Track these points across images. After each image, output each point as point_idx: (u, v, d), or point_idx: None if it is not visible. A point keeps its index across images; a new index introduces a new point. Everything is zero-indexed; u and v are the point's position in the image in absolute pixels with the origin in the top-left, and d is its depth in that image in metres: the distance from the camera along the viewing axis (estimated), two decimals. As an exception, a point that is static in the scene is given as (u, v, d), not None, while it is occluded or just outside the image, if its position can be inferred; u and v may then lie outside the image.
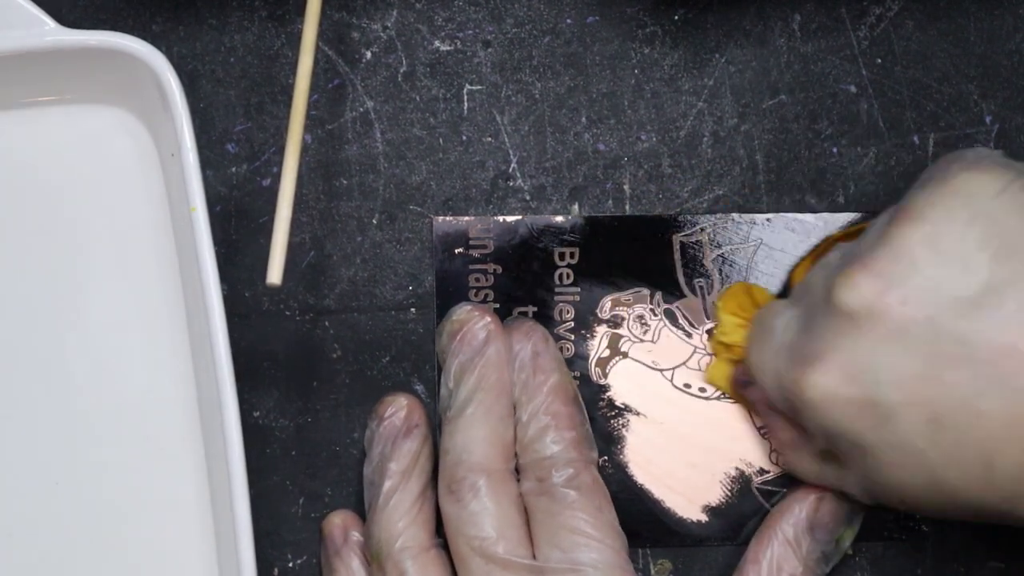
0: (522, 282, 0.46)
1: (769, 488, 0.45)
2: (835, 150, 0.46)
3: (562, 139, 0.46)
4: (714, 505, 0.45)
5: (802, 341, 0.40)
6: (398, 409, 0.44)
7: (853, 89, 0.46)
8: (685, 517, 0.45)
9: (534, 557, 0.42)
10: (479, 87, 0.46)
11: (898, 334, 0.37)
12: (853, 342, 0.38)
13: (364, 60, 0.46)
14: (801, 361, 0.39)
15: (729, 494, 0.45)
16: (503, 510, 0.42)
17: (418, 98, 0.46)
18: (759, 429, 0.45)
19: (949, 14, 0.46)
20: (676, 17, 0.46)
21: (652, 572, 0.45)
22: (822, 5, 0.46)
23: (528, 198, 0.46)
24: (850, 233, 0.45)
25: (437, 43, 0.46)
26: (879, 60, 0.46)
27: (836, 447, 0.40)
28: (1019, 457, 0.36)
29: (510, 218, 0.46)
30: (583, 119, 0.46)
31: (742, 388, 0.44)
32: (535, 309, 0.46)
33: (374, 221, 0.46)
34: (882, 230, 0.39)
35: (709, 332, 0.45)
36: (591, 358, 0.46)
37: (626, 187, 0.46)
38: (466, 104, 0.46)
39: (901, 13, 0.46)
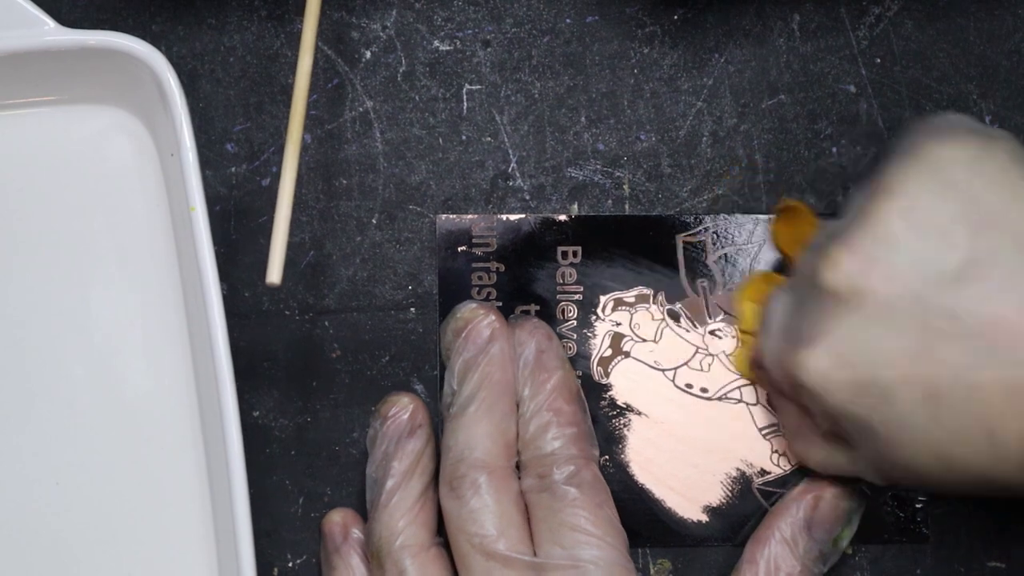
0: (525, 281, 0.46)
1: (769, 489, 0.45)
2: (835, 150, 0.46)
3: (562, 139, 0.46)
4: (714, 505, 0.45)
5: (795, 324, 0.40)
6: (402, 409, 0.44)
7: (852, 89, 0.46)
8: (685, 517, 0.45)
9: (535, 554, 0.42)
10: (478, 87, 0.46)
11: (885, 312, 0.37)
12: (842, 323, 0.38)
13: (364, 60, 0.46)
14: (794, 344, 0.39)
15: (729, 494, 0.45)
16: (504, 507, 0.42)
17: (417, 98, 0.46)
18: (761, 430, 0.45)
19: (948, 14, 0.46)
20: (676, 17, 0.46)
21: (652, 572, 0.45)
22: (821, 5, 0.46)
23: (528, 198, 0.46)
24: (782, 210, 0.45)
25: (436, 43, 0.46)
26: (878, 60, 0.46)
27: (841, 429, 0.40)
28: (1021, 427, 0.36)
29: (513, 216, 0.46)
30: (583, 119, 0.46)
31: (756, 371, 0.44)
32: (537, 308, 0.46)
33: (374, 221, 0.46)
34: (859, 206, 0.39)
35: (712, 332, 0.46)
36: (593, 357, 0.46)
37: (625, 187, 0.46)
38: (465, 104, 0.46)
39: (900, 13, 0.46)
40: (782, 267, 0.46)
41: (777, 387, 0.42)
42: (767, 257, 0.46)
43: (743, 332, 0.45)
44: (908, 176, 0.38)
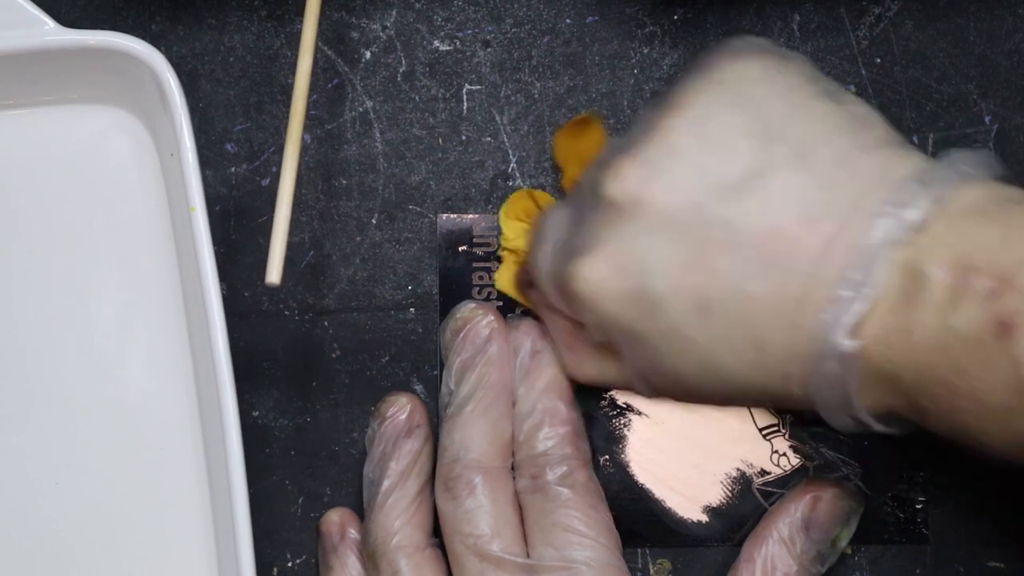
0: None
1: (769, 489, 0.45)
2: (835, 150, 0.46)
3: (561, 139, 0.46)
4: (714, 505, 0.45)
5: (573, 236, 0.39)
6: (400, 409, 0.44)
7: (853, 89, 0.46)
8: (685, 517, 0.45)
9: (528, 555, 0.42)
10: (478, 87, 0.46)
11: (664, 222, 0.37)
12: (620, 233, 0.38)
13: (363, 60, 0.46)
14: (571, 255, 0.39)
15: (729, 495, 0.45)
16: (499, 508, 0.42)
17: (417, 98, 0.46)
18: (761, 431, 0.45)
19: (948, 14, 0.46)
20: (675, 17, 0.46)
21: (651, 572, 0.45)
22: (821, 5, 0.46)
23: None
24: (571, 125, 0.45)
25: (436, 43, 0.46)
26: (878, 60, 0.46)
27: (612, 339, 0.39)
28: (787, 336, 0.36)
29: (513, 216, 0.46)
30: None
31: (525, 289, 0.44)
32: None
33: (373, 221, 0.46)
34: (648, 121, 0.39)
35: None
36: (592, 357, 0.46)
37: (626, 187, 0.46)
38: (465, 104, 0.46)
39: (900, 13, 0.46)
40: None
41: (548, 301, 0.42)
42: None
43: (506, 250, 0.45)
44: (698, 90, 0.38)
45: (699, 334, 0.37)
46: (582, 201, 0.40)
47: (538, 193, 0.45)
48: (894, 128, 0.38)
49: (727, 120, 0.37)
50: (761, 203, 0.36)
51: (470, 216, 0.46)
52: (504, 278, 0.45)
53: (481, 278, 0.45)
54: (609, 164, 0.38)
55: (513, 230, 0.45)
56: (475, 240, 0.46)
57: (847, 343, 0.35)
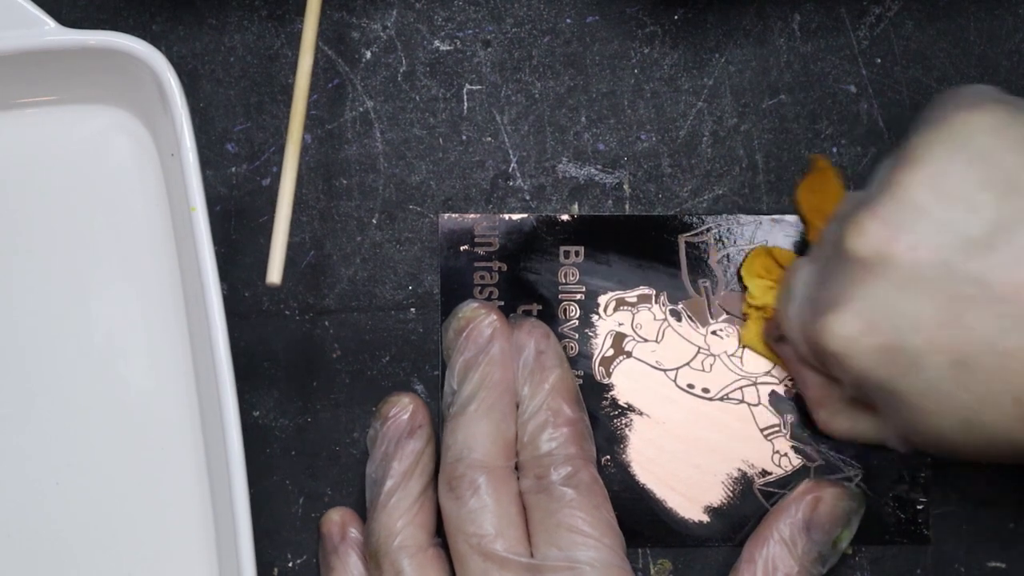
0: (526, 280, 0.46)
1: (771, 489, 0.45)
2: (835, 150, 0.46)
3: (562, 139, 0.46)
4: (716, 506, 0.45)
5: (820, 292, 0.40)
6: (402, 409, 0.44)
7: (853, 89, 0.46)
8: (686, 517, 0.45)
9: (532, 555, 0.42)
10: (479, 87, 0.46)
11: (912, 279, 0.37)
12: (868, 289, 0.38)
13: (364, 60, 0.46)
14: (820, 311, 0.39)
15: (731, 495, 0.45)
16: (503, 508, 0.42)
17: (418, 98, 0.46)
18: (762, 431, 0.45)
19: (949, 14, 0.46)
20: (676, 17, 0.46)
21: (652, 572, 0.45)
22: (822, 5, 0.46)
23: (528, 198, 0.46)
24: (809, 175, 0.45)
25: (437, 43, 0.46)
26: (879, 60, 0.46)
27: (867, 396, 0.40)
28: None
29: (515, 216, 0.46)
30: (583, 119, 0.46)
31: (775, 343, 0.44)
32: (540, 307, 0.46)
33: (374, 221, 0.46)
34: (886, 176, 0.39)
35: (714, 332, 0.46)
36: (595, 357, 0.46)
37: (626, 187, 0.46)
38: (466, 104, 0.46)
39: (901, 13, 0.46)
40: (800, 244, 0.46)
41: (799, 357, 0.42)
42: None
43: (752, 307, 0.45)
44: (934, 144, 0.38)
45: (958, 390, 0.37)
46: (827, 256, 0.40)
47: (776, 250, 0.45)
48: None
49: (965, 174, 0.37)
50: (1008, 257, 0.36)
51: (471, 216, 0.46)
52: (751, 334, 0.45)
53: (483, 278, 0.45)
54: (851, 220, 0.39)
55: (757, 287, 0.45)
56: (476, 240, 0.46)
57: None
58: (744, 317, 0.45)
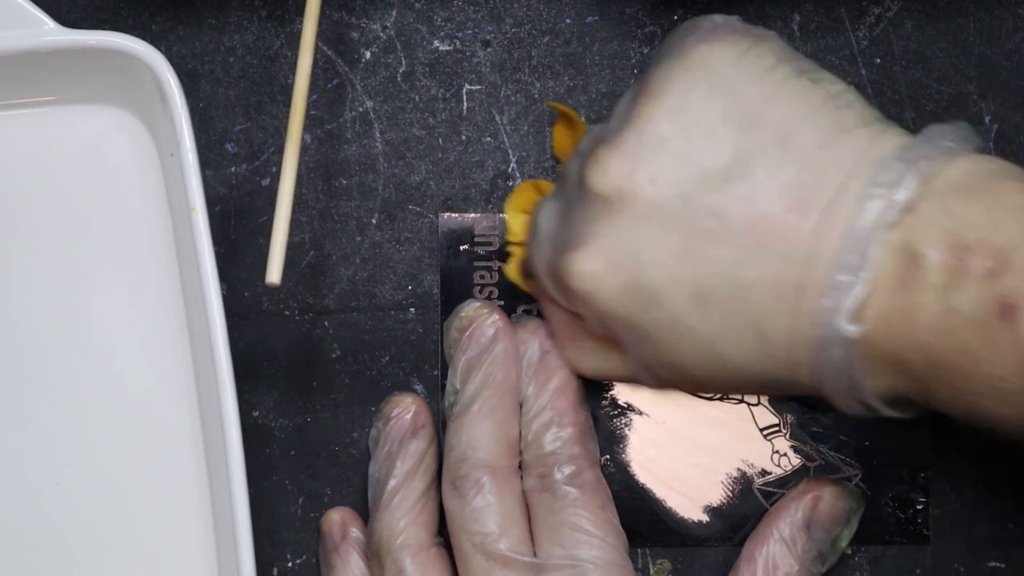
0: (526, 280, 0.46)
1: (770, 489, 0.45)
2: (835, 150, 0.46)
3: (562, 139, 0.46)
4: (715, 505, 0.45)
5: (564, 230, 0.39)
6: (405, 409, 0.44)
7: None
8: (686, 517, 0.45)
9: (535, 555, 0.42)
10: (478, 87, 0.46)
11: (652, 213, 0.37)
12: (610, 226, 0.37)
13: (363, 60, 0.46)
14: (563, 249, 0.39)
15: (730, 495, 0.45)
16: (506, 507, 0.42)
17: (417, 98, 0.46)
18: (762, 431, 0.46)
19: (948, 14, 0.46)
20: (676, 17, 0.46)
21: (651, 572, 0.45)
22: (821, 5, 0.46)
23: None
24: (560, 116, 0.44)
25: (436, 43, 0.46)
26: (878, 60, 0.46)
27: (613, 333, 0.39)
28: (789, 322, 0.36)
29: (516, 215, 0.46)
30: (583, 119, 0.46)
31: (527, 280, 0.44)
32: (540, 307, 0.45)
33: (373, 221, 0.46)
34: (627, 109, 0.38)
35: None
36: (593, 357, 0.46)
37: (626, 187, 0.46)
38: (465, 104, 0.46)
39: (900, 13, 0.46)
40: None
41: (548, 294, 0.42)
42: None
43: (513, 243, 0.45)
44: (675, 77, 0.38)
45: (699, 324, 0.37)
46: (569, 193, 0.40)
47: (543, 183, 0.45)
48: (870, 104, 0.38)
49: (705, 107, 0.37)
50: (748, 190, 0.36)
51: (471, 215, 0.46)
52: (511, 269, 0.45)
53: (483, 277, 0.45)
54: (591, 156, 0.38)
55: (518, 222, 0.44)
56: (476, 239, 0.45)
57: (850, 328, 0.35)
58: (506, 253, 0.45)
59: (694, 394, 0.45)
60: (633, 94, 0.39)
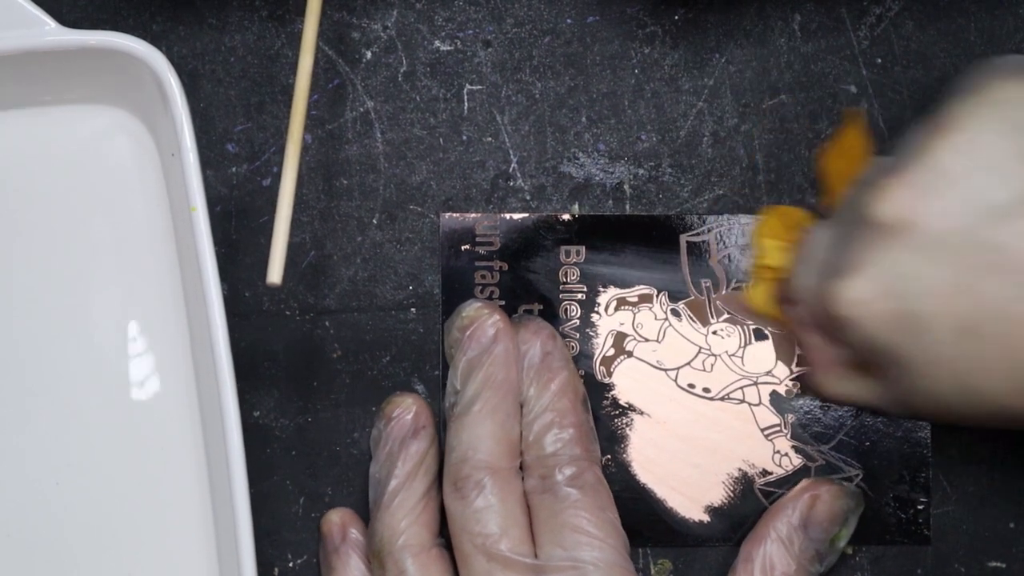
0: (528, 280, 0.46)
1: (771, 489, 0.45)
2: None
3: (562, 139, 0.46)
4: (716, 505, 0.45)
5: (838, 255, 0.40)
6: (406, 410, 0.44)
7: (853, 89, 0.46)
8: (687, 517, 0.45)
9: (536, 556, 0.42)
10: (479, 87, 0.46)
11: (932, 244, 0.37)
12: (887, 254, 0.38)
13: (364, 60, 0.46)
14: (836, 273, 0.39)
15: (731, 495, 0.45)
16: (508, 508, 0.42)
17: (418, 98, 0.46)
18: (763, 431, 0.46)
19: (949, 14, 0.46)
20: (676, 17, 0.46)
21: (652, 572, 0.45)
22: (822, 5, 0.46)
23: (528, 198, 0.46)
24: (837, 141, 0.44)
25: (437, 43, 0.46)
26: (879, 60, 0.46)
27: (870, 360, 0.40)
28: None
29: (516, 215, 0.46)
30: (583, 119, 0.46)
31: (783, 306, 0.44)
32: (540, 307, 0.46)
33: (374, 221, 0.46)
34: (915, 142, 0.39)
35: (715, 332, 0.46)
36: (596, 357, 0.46)
37: (626, 187, 0.46)
38: (466, 104, 0.46)
39: (901, 13, 0.46)
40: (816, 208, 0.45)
41: (806, 320, 0.42)
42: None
43: (761, 267, 0.45)
44: (966, 113, 0.38)
45: (961, 357, 0.37)
46: (847, 220, 0.40)
47: (790, 209, 0.45)
48: None
49: (996, 143, 0.37)
50: None
51: (473, 215, 0.46)
52: (759, 295, 0.45)
53: (484, 277, 0.45)
54: (877, 185, 0.38)
55: (769, 247, 0.45)
56: (478, 239, 0.46)
57: None
58: (753, 277, 0.45)
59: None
60: (923, 128, 0.39)
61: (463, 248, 0.46)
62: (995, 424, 0.39)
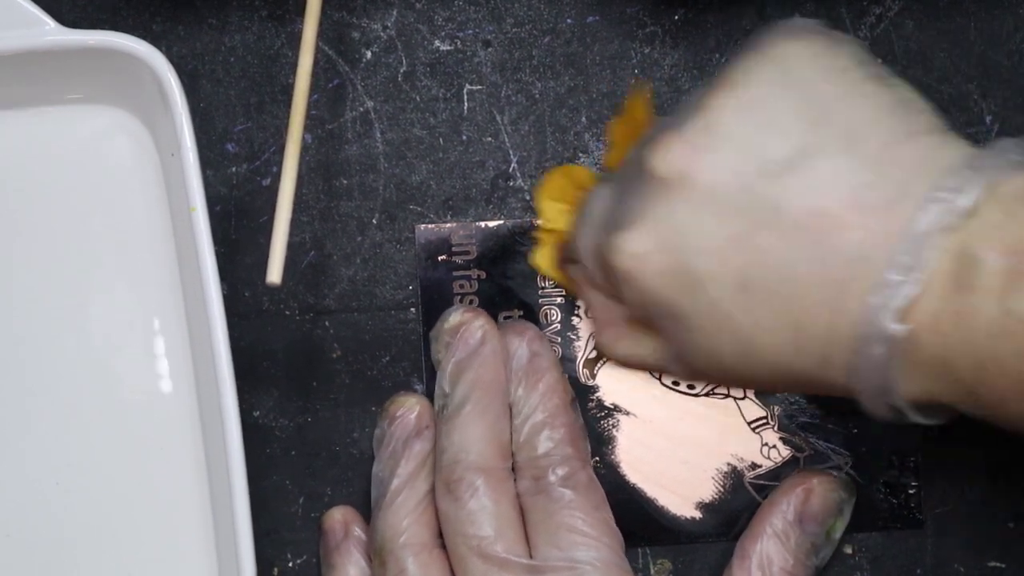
0: (507, 286, 0.46)
1: (761, 482, 0.45)
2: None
3: (562, 139, 0.46)
4: (707, 501, 0.46)
5: (617, 211, 0.39)
6: (409, 409, 0.44)
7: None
8: (679, 515, 0.46)
9: (531, 556, 0.42)
10: (479, 87, 0.46)
11: (710, 199, 0.36)
12: (664, 209, 0.37)
13: (364, 60, 0.46)
14: (614, 229, 0.38)
15: (722, 490, 0.46)
16: (501, 509, 0.42)
17: (418, 98, 0.46)
18: (749, 424, 0.46)
19: (949, 14, 0.46)
20: (676, 17, 0.46)
21: (652, 572, 0.45)
22: (822, 5, 0.46)
23: (528, 198, 0.46)
24: (625, 114, 0.44)
25: (437, 43, 0.46)
26: (879, 60, 0.46)
27: (651, 317, 0.39)
28: (829, 319, 0.35)
29: (492, 223, 0.46)
30: (583, 119, 0.46)
31: (564, 267, 0.44)
32: (521, 313, 0.46)
33: (374, 221, 0.46)
34: (697, 99, 0.38)
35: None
36: (579, 360, 0.46)
37: (626, 187, 0.46)
38: (466, 104, 0.46)
39: (901, 13, 0.46)
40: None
41: (588, 278, 0.41)
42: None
43: (545, 230, 0.45)
44: (748, 69, 0.38)
45: (738, 313, 0.36)
46: (628, 177, 0.40)
47: (575, 168, 0.45)
48: (940, 114, 0.38)
49: (776, 100, 0.37)
50: (808, 184, 0.36)
51: (448, 225, 0.46)
52: (543, 257, 0.45)
53: (462, 287, 0.45)
54: (656, 140, 0.38)
55: (551, 210, 0.44)
56: (454, 249, 0.45)
57: (896, 327, 0.34)
58: (537, 239, 0.45)
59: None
60: (705, 87, 0.39)
61: (440, 259, 0.45)
62: (778, 387, 0.38)
